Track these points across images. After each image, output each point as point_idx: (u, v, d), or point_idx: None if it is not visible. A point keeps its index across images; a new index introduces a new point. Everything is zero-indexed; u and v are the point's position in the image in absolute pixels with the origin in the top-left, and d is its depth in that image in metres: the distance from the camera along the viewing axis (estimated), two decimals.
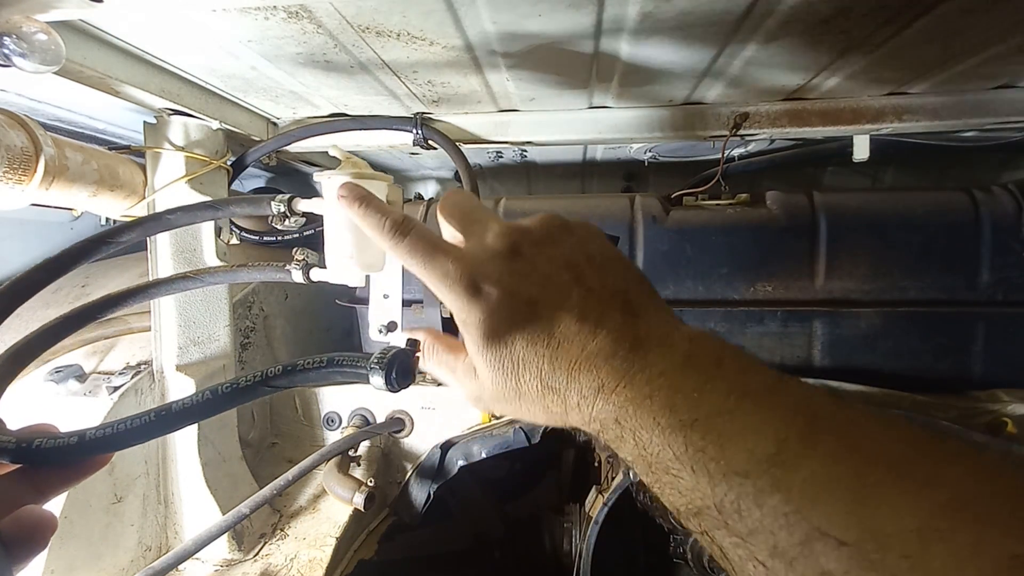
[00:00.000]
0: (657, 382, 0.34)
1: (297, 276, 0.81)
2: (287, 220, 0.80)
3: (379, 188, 0.82)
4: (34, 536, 0.36)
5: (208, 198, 1.13)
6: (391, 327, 0.97)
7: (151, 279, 0.77)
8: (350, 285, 0.81)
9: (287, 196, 0.79)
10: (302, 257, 0.81)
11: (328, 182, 0.77)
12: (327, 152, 1.48)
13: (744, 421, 0.30)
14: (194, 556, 0.94)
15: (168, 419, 0.40)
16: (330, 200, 0.78)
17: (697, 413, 0.31)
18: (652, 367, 0.35)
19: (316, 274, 0.81)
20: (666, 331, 0.38)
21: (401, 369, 0.40)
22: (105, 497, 0.98)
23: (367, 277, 1.11)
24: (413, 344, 0.44)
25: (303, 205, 0.80)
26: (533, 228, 0.44)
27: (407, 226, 0.43)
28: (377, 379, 0.39)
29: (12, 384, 0.52)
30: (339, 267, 0.79)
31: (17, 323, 1.28)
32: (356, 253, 0.77)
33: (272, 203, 0.79)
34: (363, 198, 0.45)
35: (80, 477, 0.42)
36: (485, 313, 0.39)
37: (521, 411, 0.41)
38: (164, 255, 1.11)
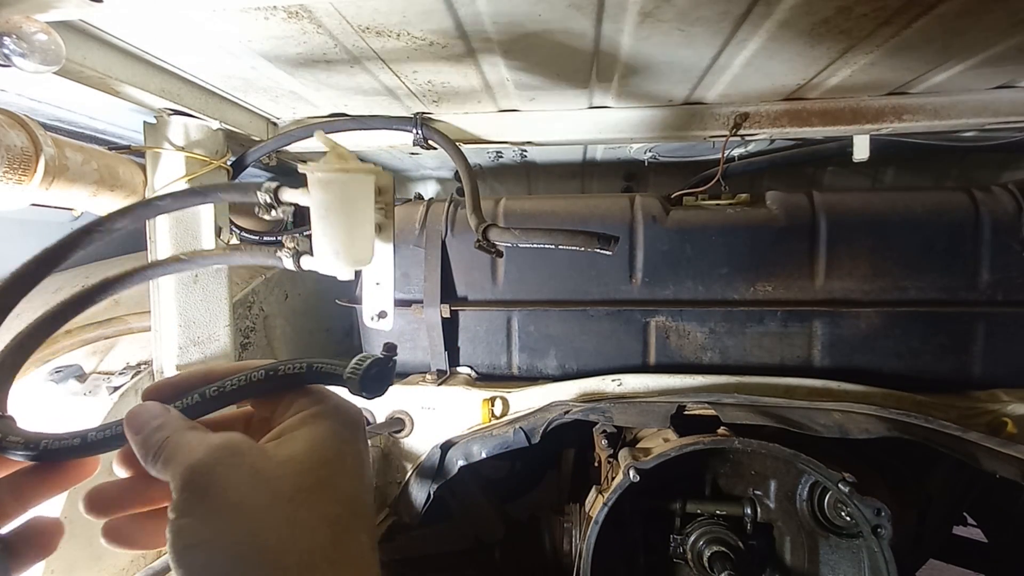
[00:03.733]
0: None
1: (288, 263, 0.77)
2: (273, 211, 0.77)
3: (365, 182, 0.77)
4: (39, 542, 0.37)
5: None
6: (382, 315, 0.96)
7: (145, 262, 0.75)
8: (339, 278, 0.79)
9: (274, 184, 0.75)
10: (292, 245, 0.78)
11: (312, 177, 0.74)
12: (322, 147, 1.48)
13: None
14: None
15: None
16: (315, 197, 0.75)
17: None
18: None
19: (306, 262, 0.77)
20: None
21: (376, 377, 0.40)
22: None
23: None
24: (390, 349, 0.44)
25: (288, 195, 0.76)
26: None
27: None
28: (353, 385, 0.40)
29: (18, 375, 0.53)
30: (328, 265, 0.76)
31: (18, 324, 1.28)
32: (343, 249, 0.75)
33: (259, 192, 0.75)
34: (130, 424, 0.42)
35: (72, 482, 0.43)
36: None
37: None
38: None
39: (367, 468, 0.42)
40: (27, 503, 0.41)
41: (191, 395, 0.41)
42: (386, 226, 0.94)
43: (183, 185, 1.10)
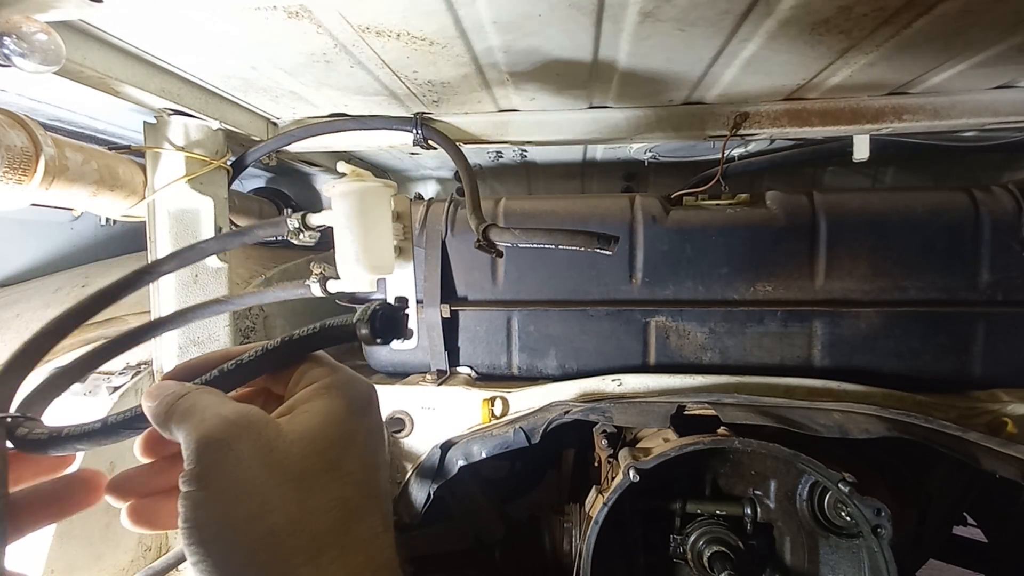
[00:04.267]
0: None
1: (316, 290, 0.85)
2: (302, 235, 0.85)
3: (381, 193, 0.84)
4: None
5: (208, 198, 1.14)
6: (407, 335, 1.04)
7: (189, 304, 0.83)
8: (363, 290, 0.85)
9: (300, 213, 0.84)
10: (319, 271, 0.86)
11: (333, 191, 0.80)
12: (328, 153, 1.49)
13: None
14: None
15: None
16: (336, 210, 0.81)
17: None
18: None
19: (332, 286, 0.85)
20: None
21: (386, 321, 0.40)
22: None
23: (380, 282, 1.13)
24: (402, 300, 0.44)
25: (316, 219, 0.84)
26: None
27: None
28: (364, 331, 0.39)
29: (27, 377, 0.54)
30: (350, 273, 0.82)
31: (18, 323, 1.28)
32: (362, 256, 0.80)
33: (288, 221, 0.84)
34: (148, 396, 0.41)
35: (72, 509, 0.42)
36: None
37: None
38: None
39: (380, 445, 0.41)
40: (22, 531, 0.40)
41: (210, 373, 0.41)
42: (406, 248, 1.00)
43: (183, 185, 1.10)
